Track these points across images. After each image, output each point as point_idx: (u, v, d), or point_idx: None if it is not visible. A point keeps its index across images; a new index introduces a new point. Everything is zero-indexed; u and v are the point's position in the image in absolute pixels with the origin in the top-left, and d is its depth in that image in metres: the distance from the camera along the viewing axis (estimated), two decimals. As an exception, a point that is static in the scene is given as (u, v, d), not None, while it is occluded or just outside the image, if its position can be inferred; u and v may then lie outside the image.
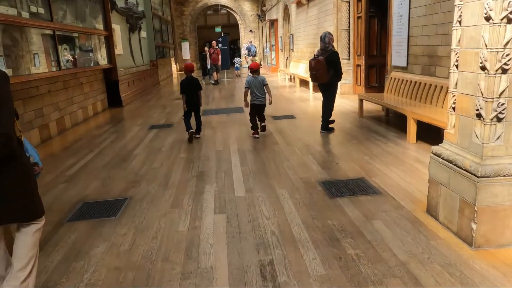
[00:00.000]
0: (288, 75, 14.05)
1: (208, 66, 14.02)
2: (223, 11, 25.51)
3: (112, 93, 9.23)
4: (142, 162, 4.62)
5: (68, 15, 6.92)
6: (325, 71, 5.32)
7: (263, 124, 5.65)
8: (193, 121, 5.67)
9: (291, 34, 14.91)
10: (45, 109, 6.09)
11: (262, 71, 19.59)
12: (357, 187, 3.43)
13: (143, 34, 13.06)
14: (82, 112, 7.65)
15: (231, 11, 24.32)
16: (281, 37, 16.99)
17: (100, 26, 8.55)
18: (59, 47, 6.43)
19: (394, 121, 6.08)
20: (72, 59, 7.04)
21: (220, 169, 4.20)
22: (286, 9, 15.72)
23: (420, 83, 5.36)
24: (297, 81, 11.96)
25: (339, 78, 5.51)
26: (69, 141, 5.97)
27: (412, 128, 4.69)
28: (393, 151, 4.46)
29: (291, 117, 6.98)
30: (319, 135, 5.51)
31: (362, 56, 8.49)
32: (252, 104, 5.52)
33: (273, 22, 18.13)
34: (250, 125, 5.60)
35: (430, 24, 5.19)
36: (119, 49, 9.97)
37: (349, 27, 8.82)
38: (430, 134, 4.95)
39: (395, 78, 6.13)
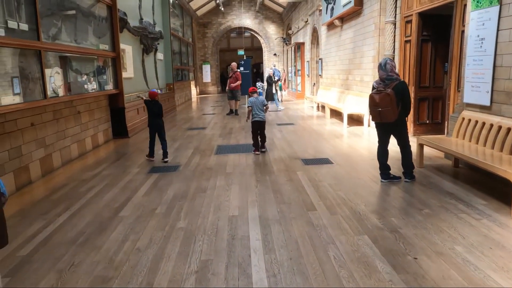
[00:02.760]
0: (316, 103, 12.71)
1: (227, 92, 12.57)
2: (246, 34, 24.80)
3: (117, 122, 8.11)
4: (124, 235, 3.28)
5: (63, 33, 5.87)
6: (395, 107, 4.05)
7: (264, 145, 6.29)
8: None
9: (319, 59, 13.69)
10: (24, 148, 4.92)
11: (286, 97, 18.41)
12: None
13: (160, 55, 12.12)
14: (78, 147, 6.49)
15: (255, 34, 23.53)
16: (308, 61, 15.81)
17: (105, 46, 7.51)
18: (48, 70, 5.34)
19: (470, 177, 4.56)
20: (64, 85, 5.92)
21: (233, 258, 2.80)
22: (315, 32, 14.59)
23: (516, 130, 3.87)
24: (327, 111, 10.59)
25: (408, 113, 4.27)
26: (50, 189, 4.74)
27: (519, 201, 3.19)
28: (499, 238, 2.94)
29: (327, 161, 5.56)
30: (370, 194, 4.07)
31: (411, 87, 7.06)
32: (254, 121, 6.09)
33: (299, 46, 17.03)
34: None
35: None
36: (129, 72, 8.94)
37: (393, 52, 7.45)
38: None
39: (469, 120, 4.65)
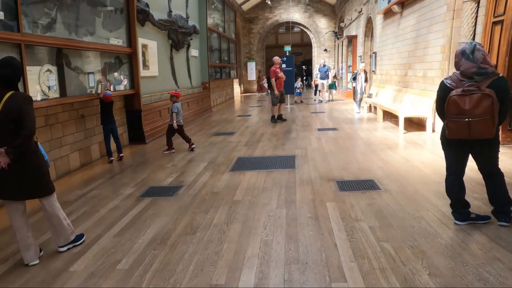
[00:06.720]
0: (366, 103, 10.98)
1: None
2: (296, 29, 23.35)
3: (134, 126, 7.26)
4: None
5: (59, 24, 5.03)
6: (496, 116, 2.62)
7: (193, 146, 6.50)
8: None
9: (373, 53, 11.89)
10: None
11: (336, 96, 16.55)
12: None
13: (194, 52, 11.22)
14: (80, 156, 5.68)
15: (304, 29, 21.97)
16: (360, 56, 14.01)
17: (118, 41, 6.64)
18: (34, 68, 4.51)
19: None
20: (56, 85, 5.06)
21: None
22: (369, 23, 12.79)
23: None
24: (380, 113, 8.89)
25: (501, 123, 2.82)
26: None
27: None
28: None
29: (372, 186, 4.09)
30: (437, 250, 2.58)
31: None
32: (179, 125, 6.31)
33: (351, 40, 15.25)
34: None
35: None
36: (152, 70, 8.08)
37: (473, 39, 5.65)
38: None
39: None
